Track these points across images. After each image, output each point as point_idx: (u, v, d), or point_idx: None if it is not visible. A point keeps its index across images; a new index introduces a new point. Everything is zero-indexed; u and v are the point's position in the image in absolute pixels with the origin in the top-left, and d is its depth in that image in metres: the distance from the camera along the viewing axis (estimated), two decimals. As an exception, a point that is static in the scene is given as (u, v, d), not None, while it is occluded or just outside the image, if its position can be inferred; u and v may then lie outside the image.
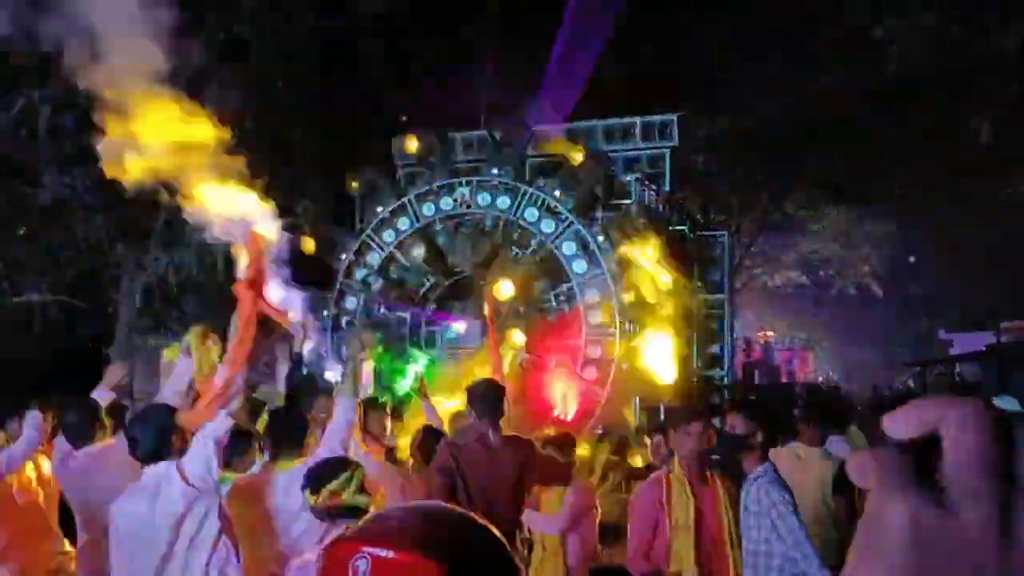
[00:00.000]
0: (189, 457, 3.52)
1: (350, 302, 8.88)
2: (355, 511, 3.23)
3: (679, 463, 4.14)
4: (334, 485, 3.36)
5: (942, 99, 13.85)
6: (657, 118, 8.81)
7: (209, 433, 3.56)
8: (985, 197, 19.87)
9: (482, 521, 1.14)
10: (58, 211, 8.56)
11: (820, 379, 29.91)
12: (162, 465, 3.42)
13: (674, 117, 8.88)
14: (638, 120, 8.81)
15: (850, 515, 4.92)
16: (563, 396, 7.38)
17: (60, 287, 8.94)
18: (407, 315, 8.75)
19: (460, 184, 8.50)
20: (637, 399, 7.82)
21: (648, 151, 8.90)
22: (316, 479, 3.39)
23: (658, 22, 16.35)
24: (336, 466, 3.43)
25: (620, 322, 7.67)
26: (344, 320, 8.85)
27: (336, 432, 3.97)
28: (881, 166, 20.56)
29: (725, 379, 9.69)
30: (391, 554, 1.03)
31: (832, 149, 19.96)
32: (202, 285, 9.11)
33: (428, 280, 8.68)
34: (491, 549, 1.11)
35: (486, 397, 4.47)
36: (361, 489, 3.37)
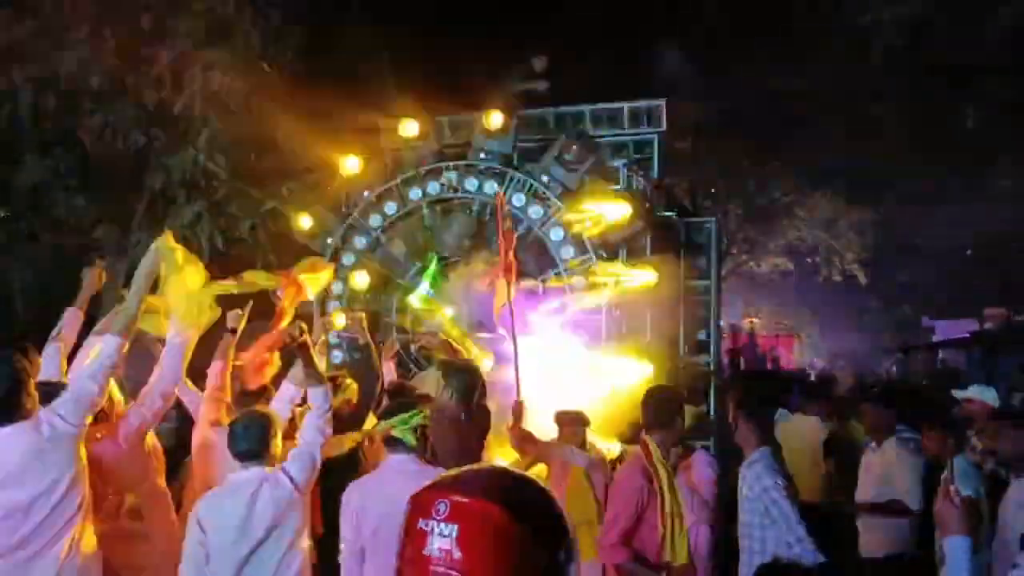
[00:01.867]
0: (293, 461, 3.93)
1: (336, 286, 8.83)
2: (405, 445, 3.74)
3: (658, 448, 4.14)
4: (394, 420, 3.82)
5: (928, 87, 13.89)
6: (644, 103, 8.78)
7: (313, 440, 4.06)
8: (970, 186, 19.98)
9: (537, 480, 1.47)
10: (39, 193, 8.47)
11: (806, 365, 30.08)
12: (258, 468, 3.79)
13: (662, 103, 8.85)
14: (625, 106, 8.78)
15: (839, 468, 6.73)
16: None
17: (41, 270, 8.85)
18: (394, 299, 8.71)
19: (447, 168, 8.45)
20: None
21: (635, 137, 8.88)
22: (385, 411, 3.96)
23: (645, 7, 16.30)
24: (404, 405, 3.91)
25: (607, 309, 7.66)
26: (330, 304, 8.80)
27: (312, 419, 4.22)
28: (867, 153, 20.61)
29: (711, 365, 9.72)
30: (465, 499, 1.34)
31: (817, 136, 20.02)
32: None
33: (414, 265, 8.63)
34: (543, 500, 1.41)
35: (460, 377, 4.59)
36: (415, 431, 3.79)
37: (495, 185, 8.18)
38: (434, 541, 1.32)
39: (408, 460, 3.68)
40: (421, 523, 1.35)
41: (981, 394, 5.95)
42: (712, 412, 9.37)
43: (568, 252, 7.79)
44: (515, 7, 14.69)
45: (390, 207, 8.60)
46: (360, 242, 8.72)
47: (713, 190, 22.15)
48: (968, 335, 23.84)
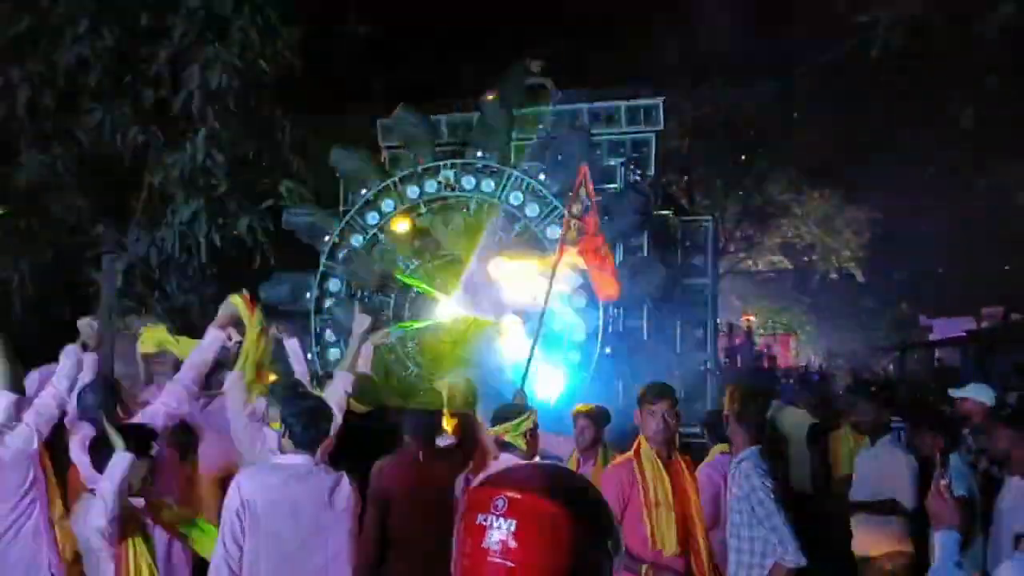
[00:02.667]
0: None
1: (333, 284, 8.86)
2: (516, 449, 3.98)
3: (646, 441, 4.16)
4: (507, 425, 4.02)
5: (924, 85, 13.91)
6: (642, 102, 8.80)
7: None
8: (966, 183, 20.00)
9: (584, 477, 1.60)
10: (37, 191, 8.46)
11: (803, 364, 30.10)
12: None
13: (659, 101, 8.87)
14: (623, 104, 8.80)
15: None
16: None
17: (39, 268, 8.85)
18: (391, 298, 8.73)
19: (445, 166, 8.47)
20: (620, 382, 7.84)
21: (633, 135, 8.89)
22: (495, 416, 4.16)
23: (642, 5, 16.32)
24: (514, 411, 4.13)
25: (603, 306, 7.68)
26: (327, 302, 8.83)
27: (330, 400, 4.33)
28: (863, 151, 20.64)
29: (708, 363, 9.74)
30: (521, 495, 1.43)
31: (814, 134, 20.06)
32: (184, 266, 9.04)
33: (412, 263, 8.66)
34: (592, 495, 1.52)
35: (415, 417, 4.73)
36: (526, 435, 4.03)
37: (492, 183, 8.20)
38: (492, 535, 1.41)
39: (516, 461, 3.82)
40: (480, 518, 1.44)
41: (976, 393, 5.97)
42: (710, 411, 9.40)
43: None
44: (513, 5, 14.71)
45: (387, 205, 8.63)
46: (357, 240, 8.74)
47: (715, 185, 22.18)
48: (965, 334, 23.89)
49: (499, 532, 1.41)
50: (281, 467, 3.78)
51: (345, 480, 3.80)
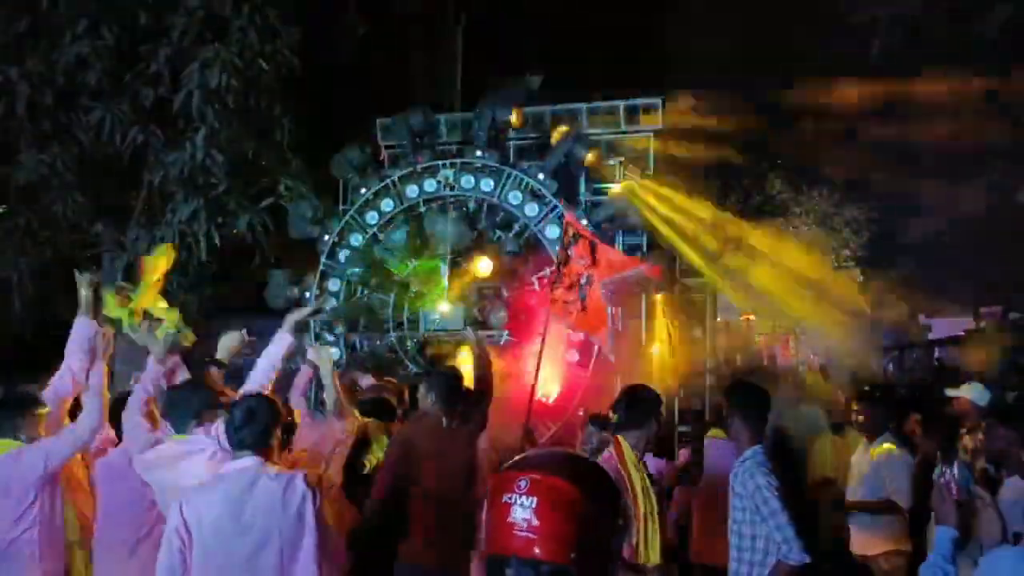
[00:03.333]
0: None
1: (333, 284, 8.87)
2: None
3: (630, 449, 4.15)
4: None
5: (923, 85, 13.90)
6: (640, 101, 8.80)
7: None
8: (966, 183, 19.99)
9: (596, 463, 1.85)
10: (37, 190, 8.47)
11: (802, 362, 30.06)
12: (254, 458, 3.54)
13: (658, 100, 8.87)
14: (621, 103, 8.80)
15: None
16: (545, 378, 7.39)
17: (39, 266, 8.85)
18: (390, 298, 8.74)
19: (444, 166, 8.48)
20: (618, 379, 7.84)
21: (632, 134, 8.90)
22: None
23: (641, 5, 16.32)
24: None
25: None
26: (329, 300, 8.84)
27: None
28: (861, 151, 20.63)
29: (707, 362, 9.75)
30: (540, 476, 1.67)
31: (812, 133, 20.04)
32: (184, 264, 9.04)
33: (411, 262, 8.66)
34: (602, 476, 1.77)
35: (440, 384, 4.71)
36: None
37: (491, 183, 8.21)
38: (516, 511, 1.64)
39: None
40: (505, 497, 1.67)
41: (972, 392, 5.98)
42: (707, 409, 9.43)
43: (564, 250, 7.82)
44: (513, 5, 14.70)
45: (387, 204, 8.64)
46: (356, 239, 8.75)
47: (713, 185, 22.15)
48: (963, 333, 23.89)
49: (522, 509, 1.64)
50: (225, 478, 3.53)
51: (298, 479, 3.53)
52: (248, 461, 3.50)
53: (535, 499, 1.65)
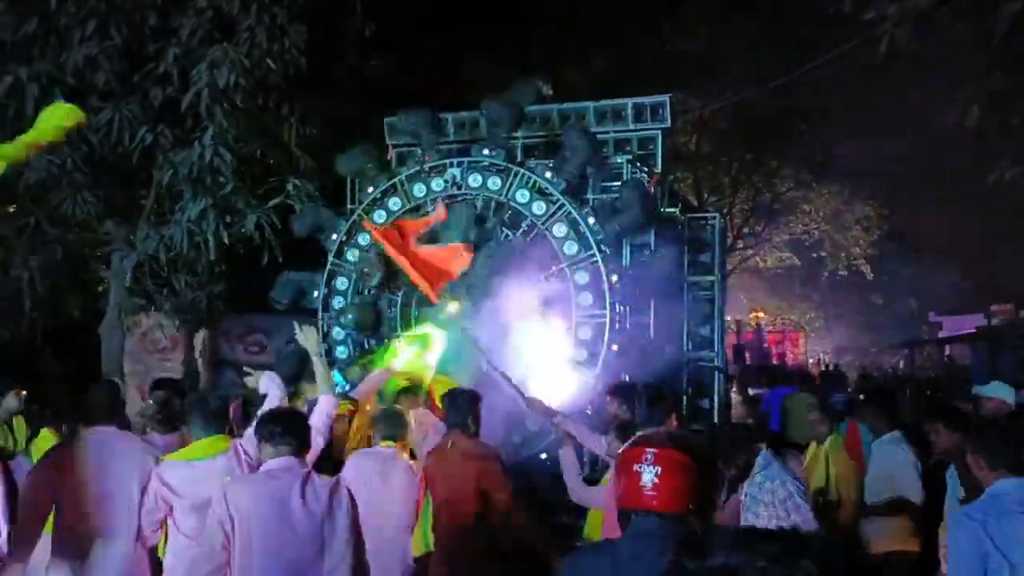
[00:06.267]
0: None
1: (341, 283, 8.88)
2: None
3: None
4: None
5: (931, 82, 13.83)
6: (648, 99, 8.77)
7: None
8: (974, 180, 19.88)
9: (700, 440, 2.58)
10: (47, 190, 8.52)
11: (811, 360, 30.03)
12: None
13: (666, 98, 8.83)
14: (629, 102, 8.77)
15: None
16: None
17: (49, 266, 8.90)
18: (398, 296, 8.75)
19: (451, 164, 8.48)
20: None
21: (639, 133, 8.87)
22: None
23: (648, 3, 16.28)
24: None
25: (610, 304, 7.69)
26: (334, 301, 8.86)
27: (314, 422, 4.39)
28: (872, 148, 20.56)
29: (715, 361, 9.73)
30: (662, 450, 2.30)
31: (823, 128, 19.97)
32: (193, 263, 9.09)
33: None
34: (705, 449, 2.43)
35: (457, 405, 4.74)
36: None
37: (498, 181, 8.21)
38: (644, 477, 2.27)
39: None
40: (636, 466, 2.29)
41: (1001, 391, 5.93)
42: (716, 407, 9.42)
43: (572, 248, 7.82)
44: (519, 4, 14.70)
45: (394, 203, 8.65)
46: (364, 238, 8.76)
47: (722, 183, 22.11)
48: (975, 330, 23.80)
49: (648, 475, 2.26)
50: (272, 475, 3.65)
51: (343, 487, 3.73)
52: (290, 461, 3.63)
53: (659, 467, 2.26)
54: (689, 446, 2.33)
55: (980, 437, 3.61)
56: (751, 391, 9.77)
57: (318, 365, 5.00)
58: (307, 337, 5.12)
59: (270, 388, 4.75)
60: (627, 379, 7.02)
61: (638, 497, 2.27)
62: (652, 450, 2.28)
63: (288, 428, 3.70)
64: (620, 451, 2.61)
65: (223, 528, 3.46)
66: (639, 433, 2.68)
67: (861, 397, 9.86)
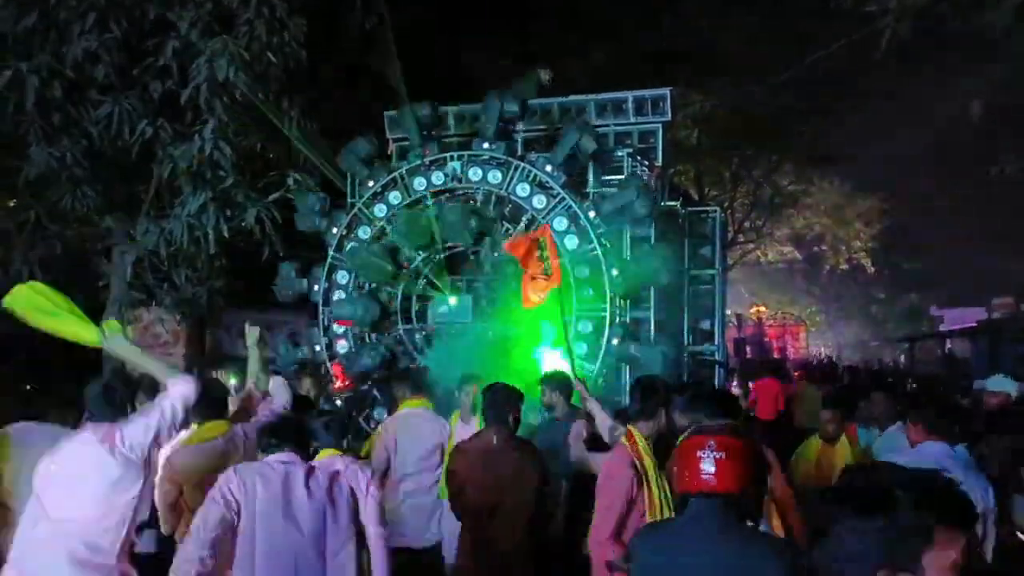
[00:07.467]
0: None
1: (341, 276, 8.89)
2: None
3: (643, 439, 4.15)
4: None
5: (933, 75, 13.81)
6: (649, 92, 8.75)
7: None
8: (975, 174, 19.88)
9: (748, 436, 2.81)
10: (47, 184, 8.50)
11: (812, 354, 30.03)
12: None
13: (667, 92, 8.81)
14: (630, 95, 8.75)
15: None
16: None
17: (49, 260, 8.89)
18: (398, 290, 8.74)
19: (451, 158, 8.47)
20: (627, 374, 7.84)
21: (640, 126, 8.85)
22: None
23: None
24: None
25: (611, 297, 7.68)
26: (335, 294, 8.86)
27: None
28: (873, 142, 20.52)
29: (716, 354, 9.74)
30: (722, 438, 2.64)
31: (823, 124, 19.93)
32: (193, 257, 9.07)
33: (420, 253, 8.67)
34: (753, 440, 2.78)
35: (495, 402, 4.67)
36: None
37: (499, 175, 8.20)
38: (706, 463, 2.59)
39: None
40: (698, 453, 2.61)
41: (1004, 386, 5.92)
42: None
43: (572, 241, 7.81)
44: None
45: (394, 197, 8.64)
46: (364, 232, 8.76)
47: (723, 176, 22.09)
48: (975, 324, 23.79)
49: (711, 461, 2.58)
50: (270, 466, 3.79)
51: (342, 478, 3.87)
52: (290, 455, 3.80)
53: (722, 453, 2.57)
54: (741, 434, 2.69)
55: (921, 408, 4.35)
56: None
57: (253, 361, 5.25)
58: (249, 333, 5.35)
59: (277, 391, 5.06)
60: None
61: (696, 481, 2.59)
62: (713, 439, 2.61)
63: (286, 437, 3.89)
64: (680, 440, 2.79)
65: (229, 508, 3.58)
66: (696, 425, 2.91)
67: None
